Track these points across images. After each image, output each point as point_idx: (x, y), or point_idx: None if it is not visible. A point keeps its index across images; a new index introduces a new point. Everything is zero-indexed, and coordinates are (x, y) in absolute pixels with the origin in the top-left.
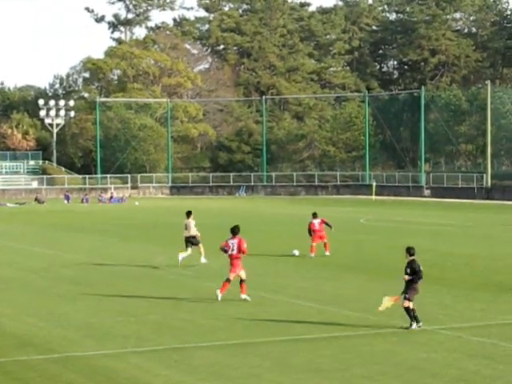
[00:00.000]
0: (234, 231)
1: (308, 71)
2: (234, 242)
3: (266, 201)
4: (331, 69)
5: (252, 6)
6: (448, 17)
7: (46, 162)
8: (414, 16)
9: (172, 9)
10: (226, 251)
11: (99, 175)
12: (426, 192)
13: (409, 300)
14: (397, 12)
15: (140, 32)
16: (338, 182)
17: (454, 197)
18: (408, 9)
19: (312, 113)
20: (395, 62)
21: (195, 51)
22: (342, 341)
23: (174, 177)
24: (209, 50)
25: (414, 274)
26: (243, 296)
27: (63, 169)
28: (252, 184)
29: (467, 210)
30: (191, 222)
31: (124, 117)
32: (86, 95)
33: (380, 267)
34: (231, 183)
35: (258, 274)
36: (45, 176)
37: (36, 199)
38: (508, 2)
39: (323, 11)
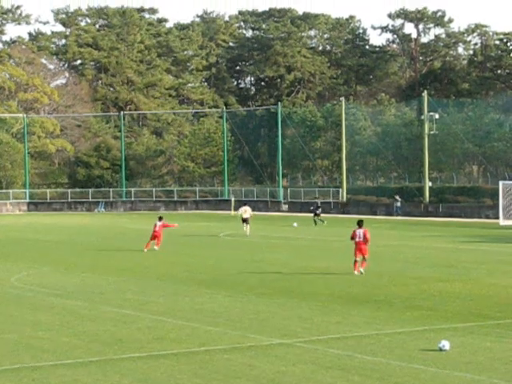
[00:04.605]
0: (360, 224)
1: (166, 87)
2: (360, 232)
3: (125, 216)
4: (189, 85)
5: (109, 22)
6: (303, 34)
7: None
8: (270, 33)
9: (28, 23)
10: (353, 238)
11: None
12: (284, 207)
13: None
14: (253, 29)
15: None
16: (198, 198)
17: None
18: (264, 26)
19: (171, 128)
20: (252, 79)
21: (52, 66)
22: (201, 356)
23: (31, 193)
24: (66, 65)
25: None
26: (362, 269)
27: None
28: (111, 200)
29: (324, 224)
30: (248, 208)
31: None
32: None
33: (239, 282)
34: (90, 199)
35: (119, 290)
36: None
37: None
38: (360, 21)
39: (181, 27)
